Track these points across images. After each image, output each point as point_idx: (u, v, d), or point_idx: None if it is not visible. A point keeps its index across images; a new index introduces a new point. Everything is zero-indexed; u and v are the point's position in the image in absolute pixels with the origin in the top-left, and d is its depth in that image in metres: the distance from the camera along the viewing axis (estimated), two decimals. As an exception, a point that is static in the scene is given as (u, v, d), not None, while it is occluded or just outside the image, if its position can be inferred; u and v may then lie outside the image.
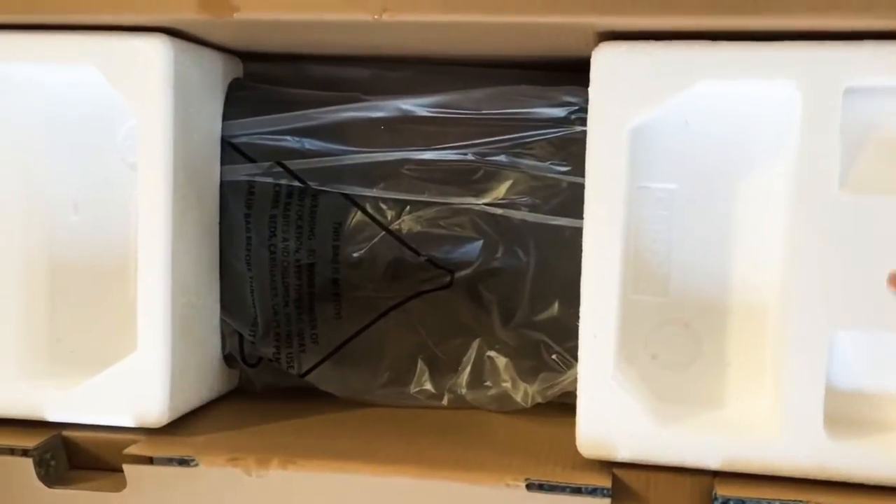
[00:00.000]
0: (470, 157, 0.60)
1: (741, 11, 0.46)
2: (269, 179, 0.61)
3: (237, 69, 0.64)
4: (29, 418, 0.55)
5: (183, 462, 0.51)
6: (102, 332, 0.60)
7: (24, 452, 0.53)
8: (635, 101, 0.49)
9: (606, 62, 0.49)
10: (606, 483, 0.49)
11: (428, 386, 0.63)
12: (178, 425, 0.56)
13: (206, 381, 0.61)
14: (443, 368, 0.64)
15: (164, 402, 0.54)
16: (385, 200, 0.62)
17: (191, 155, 0.56)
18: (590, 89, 0.49)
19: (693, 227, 0.54)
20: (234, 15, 0.49)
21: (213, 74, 0.60)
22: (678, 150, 0.54)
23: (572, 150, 0.58)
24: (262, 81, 0.63)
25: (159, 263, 0.53)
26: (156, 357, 0.54)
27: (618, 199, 0.49)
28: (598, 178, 0.50)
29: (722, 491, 0.48)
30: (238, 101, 0.61)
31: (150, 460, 0.52)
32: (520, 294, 0.62)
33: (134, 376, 0.54)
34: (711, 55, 0.48)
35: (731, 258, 0.54)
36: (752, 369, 0.53)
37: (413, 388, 0.63)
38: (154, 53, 0.52)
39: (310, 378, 0.64)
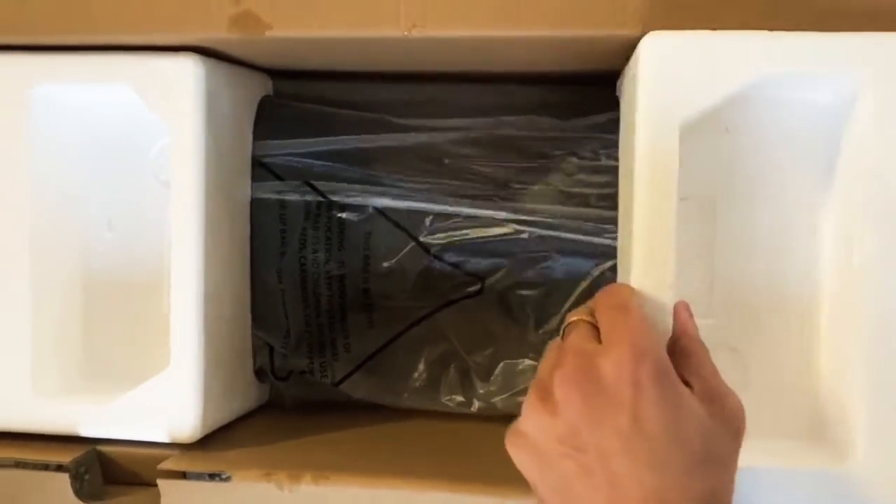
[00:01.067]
0: (499, 171, 0.60)
1: (797, 21, 0.44)
2: (298, 197, 0.61)
3: (267, 87, 0.64)
4: (64, 433, 0.56)
5: (216, 477, 0.52)
6: (136, 347, 0.61)
7: (60, 467, 0.53)
8: (688, 91, 0.44)
9: (657, 50, 0.45)
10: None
11: (458, 394, 0.63)
12: (211, 440, 0.56)
13: (238, 396, 0.61)
14: (473, 376, 0.64)
15: (198, 417, 0.54)
16: (414, 211, 0.62)
17: (222, 171, 0.56)
18: (638, 79, 0.45)
19: (736, 239, 0.51)
20: (266, 33, 0.50)
21: (244, 92, 0.60)
22: (718, 158, 0.51)
23: (601, 165, 0.58)
24: (292, 99, 0.63)
25: (192, 279, 0.54)
26: (189, 372, 0.54)
27: (670, 187, 0.44)
28: (648, 174, 0.45)
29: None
30: (268, 118, 0.62)
31: (183, 475, 0.52)
32: (551, 300, 0.61)
33: (167, 391, 0.54)
34: (771, 44, 0.44)
35: (779, 272, 0.50)
36: (807, 397, 0.49)
37: (444, 396, 0.64)
38: (186, 72, 0.52)
39: (343, 387, 0.64)
